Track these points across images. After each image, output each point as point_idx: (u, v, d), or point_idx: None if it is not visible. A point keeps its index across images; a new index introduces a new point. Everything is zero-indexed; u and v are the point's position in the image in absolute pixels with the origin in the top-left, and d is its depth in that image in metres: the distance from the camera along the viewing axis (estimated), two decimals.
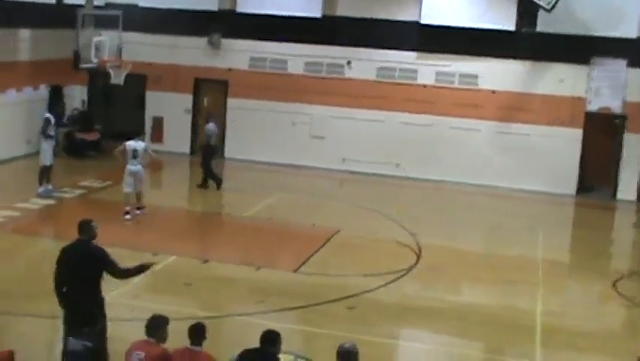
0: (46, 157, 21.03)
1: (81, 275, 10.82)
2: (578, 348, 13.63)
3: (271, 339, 8.96)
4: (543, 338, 13.74)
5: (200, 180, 22.98)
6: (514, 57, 25.10)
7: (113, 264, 10.87)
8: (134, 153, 19.55)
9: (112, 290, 14.29)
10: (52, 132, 21.28)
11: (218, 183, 22.92)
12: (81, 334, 9.27)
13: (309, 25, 26.36)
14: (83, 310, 10.76)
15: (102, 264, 10.82)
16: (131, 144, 19.65)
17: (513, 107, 25.29)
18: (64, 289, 10.82)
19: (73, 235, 19.35)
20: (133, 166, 19.58)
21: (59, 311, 13.66)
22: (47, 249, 16.39)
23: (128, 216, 19.70)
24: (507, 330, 14.17)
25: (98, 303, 10.84)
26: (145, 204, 20.10)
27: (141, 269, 11.05)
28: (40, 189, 20.97)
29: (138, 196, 20.02)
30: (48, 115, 21.58)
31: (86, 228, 11.07)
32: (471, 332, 14.04)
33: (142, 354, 8.87)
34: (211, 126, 23.36)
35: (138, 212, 20.02)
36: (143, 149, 19.78)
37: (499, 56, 25.15)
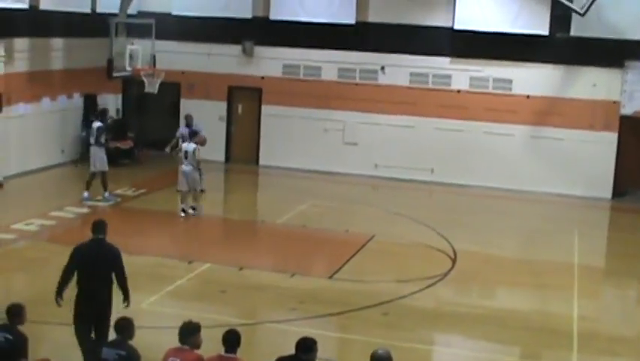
0: (100, 164, 21.50)
1: (97, 273, 11.12)
2: (615, 353, 13.52)
3: (307, 346, 8.94)
4: (580, 344, 13.63)
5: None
6: (548, 62, 24.97)
7: (122, 266, 11.18)
8: (185, 155, 20.69)
9: (147, 299, 14.45)
10: (104, 140, 21.65)
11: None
12: (115, 343, 9.29)
13: (343, 32, 26.37)
14: (96, 308, 11.05)
15: (117, 261, 11.15)
16: (183, 145, 21.00)
17: (547, 112, 25.16)
18: (79, 287, 11.07)
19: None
20: (184, 166, 20.73)
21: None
22: None
23: (182, 215, 20.83)
24: (543, 335, 14.07)
25: (109, 301, 11.15)
26: (200, 205, 21.21)
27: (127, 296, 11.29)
28: (85, 195, 21.49)
29: (194, 196, 21.13)
30: (100, 123, 21.81)
31: (102, 226, 11.37)
32: (507, 338, 13.95)
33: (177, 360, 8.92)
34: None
35: (192, 212, 20.89)
36: (193, 151, 20.66)
37: (532, 61, 25.03)
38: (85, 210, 20.86)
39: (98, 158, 21.53)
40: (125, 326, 9.37)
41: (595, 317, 15.33)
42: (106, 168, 21.67)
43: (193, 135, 21.45)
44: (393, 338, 12.68)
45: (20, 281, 12.58)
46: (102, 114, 22.54)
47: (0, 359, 9.32)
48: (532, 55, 24.89)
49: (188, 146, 20.85)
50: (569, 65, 24.94)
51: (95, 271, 11.09)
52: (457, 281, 16.77)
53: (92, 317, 11.05)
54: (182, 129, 23.29)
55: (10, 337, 9.58)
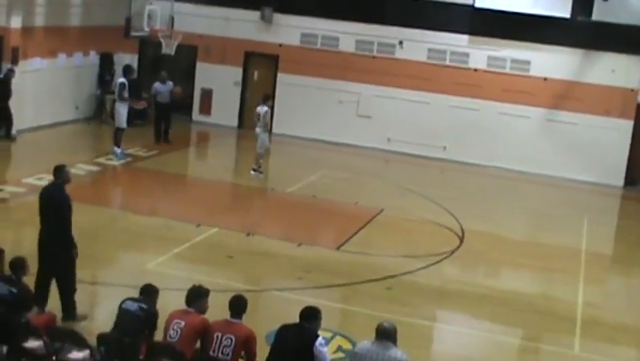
0: (122, 120, 21.77)
1: (45, 216, 11.51)
2: (617, 341, 13.50)
3: (311, 315, 8.99)
4: (582, 329, 13.63)
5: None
6: (568, 45, 24.77)
7: (65, 215, 11.40)
8: (257, 117, 21.57)
9: (154, 260, 14.50)
10: (126, 95, 21.76)
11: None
12: (139, 299, 9.39)
13: (362, 3, 26.28)
14: (48, 250, 11.38)
15: (61, 209, 11.39)
16: (257, 108, 21.70)
17: (563, 96, 25.01)
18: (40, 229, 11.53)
19: (116, 202, 19.63)
20: (257, 128, 21.58)
21: (100, 276, 13.92)
22: (89, 215, 16.59)
23: (252, 173, 21.65)
24: (546, 319, 14.07)
25: (63, 244, 11.38)
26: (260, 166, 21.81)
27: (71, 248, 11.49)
28: (118, 151, 21.82)
29: (256, 158, 21.78)
30: (122, 79, 21.97)
31: (59, 171, 11.61)
32: (510, 319, 13.95)
33: (181, 323, 8.96)
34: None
35: (253, 173, 21.62)
36: (264, 113, 21.48)
37: (552, 43, 24.82)
38: (95, 167, 20.91)
39: (118, 113, 21.79)
40: (149, 291, 9.57)
41: (599, 303, 15.28)
42: (123, 124, 21.83)
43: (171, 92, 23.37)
44: (397, 313, 12.69)
45: (29, 235, 12.63)
46: (126, 70, 22.59)
47: (5, 311, 9.37)
48: (552, 37, 24.69)
49: (261, 109, 21.47)
50: (589, 50, 24.74)
51: (44, 213, 11.53)
52: (463, 260, 16.76)
53: (45, 259, 11.39)
54: (157, 86, 24.18)
55: (15, 290, 9.64)
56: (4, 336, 9.16)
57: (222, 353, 8.82)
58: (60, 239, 11.40)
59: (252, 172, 21.61)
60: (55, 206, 11.45)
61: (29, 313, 9.67)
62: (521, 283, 16.13)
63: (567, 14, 24.33)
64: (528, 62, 25.22)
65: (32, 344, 9.29)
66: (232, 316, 9.04)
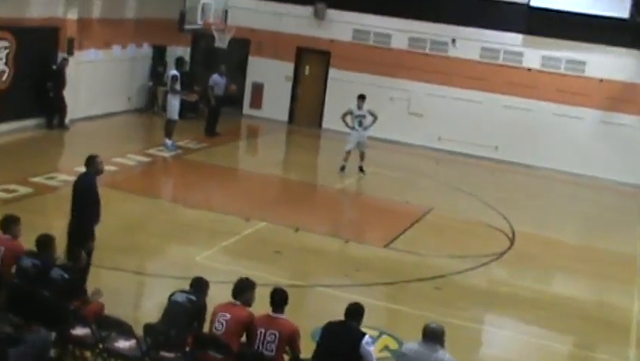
0: (173, 112, 21.85)
1: (74, 201, 11.68)
2: None
3: (356, 312, 8.94)
4: (638, 340, 13.28)
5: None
6: (625, 46, 24.35)
7: (86, 201, 11.56)
8: (356, 117, 21.82)
9: (202, 252, 14.50)
10: (178, 88, 21.83)
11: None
12: (188, 291, 9.38)
13: (416, 1, 26.07)
14: (72, 232, 11.54)
15: (84, 195, 11.58)
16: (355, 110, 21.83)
17: (619, 98, 24.58)
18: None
19: (166, 193, 19.68)
20: (357, 128, 21.82)
21: (147, 267, 13.95)
22: (139, 206, 16.66)
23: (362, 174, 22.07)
24: (599, 326, 13.78)
25: (85, 233, 11.44)
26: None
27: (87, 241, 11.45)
28: (169, 143, 21.85)
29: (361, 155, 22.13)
30: (175, 72, 22.07)
31: (89, 161, 11.81)
32: (560, 325, 13.68)
33: (227, 316, 8.92)
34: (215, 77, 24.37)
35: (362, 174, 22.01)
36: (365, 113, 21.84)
37: (609, 44, 24.40)
38: (146, 158, 21.00)
39: (170, 105, 21.88)
40: (200, 284, 9.53)
41: None
42: (175, 116, 21.90)
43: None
44: (445, 314, 12.53)
45: None
46: (178, 63, 22.70)
47: (58, 296, 9.39)
48: (609, 38, 24.27)
49: (360, 111, 21.77)
50: None
51: (73, 199, 11.70)
52: (513, 262, 16.52)
53: (71, 239, 11.49)
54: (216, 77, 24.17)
55: (67, 276, 9.67)
56: (53, 322, 9.19)
57: (266, 348, 8.76)
58: (82, 229, 11.47)
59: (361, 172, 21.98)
60: (79, 195, 11.58)
61: (79, 300, 9.68)
62: (573, 288, 15.87)
63: (625, 15, 23.90)
64: (584, 63, 24.84)
65: (80, 331, 9.32)
66: (274, 310, 8.97)
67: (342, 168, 21.85)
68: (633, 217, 21.17)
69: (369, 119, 21.75)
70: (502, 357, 12.48)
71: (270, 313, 8.99)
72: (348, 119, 21.94)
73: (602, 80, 24.67)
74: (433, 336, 8.47)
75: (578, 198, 22.98)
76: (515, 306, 14.37)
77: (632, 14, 23.87)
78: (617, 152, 24.51)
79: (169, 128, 21.92)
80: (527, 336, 13.22)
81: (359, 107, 21.79)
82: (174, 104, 21.85)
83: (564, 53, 24.94)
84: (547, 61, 25.17)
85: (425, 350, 8.41)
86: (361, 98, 22.00)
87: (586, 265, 17.02)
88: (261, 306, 9.15)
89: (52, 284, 9.55)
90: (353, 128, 21.79)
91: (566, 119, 24.88)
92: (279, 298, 9.03)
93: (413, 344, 8.61)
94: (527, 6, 24.82)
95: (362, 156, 22.03)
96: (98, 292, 9.91)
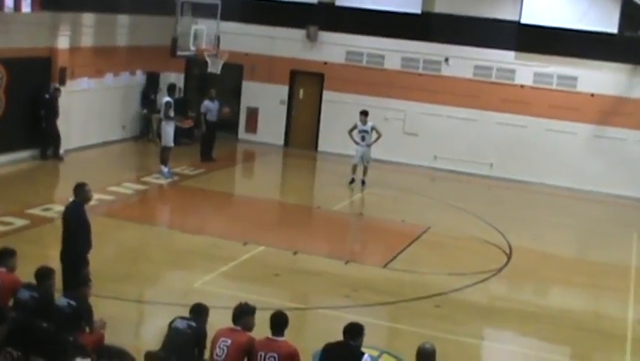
0: (168, 139, 21.91)
1: (66, 231, 11.74)
2: None
3: (354, 331, 8.95)
4: (634, 349, 13.38)
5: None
6: (615, 60, 24.51)
7: (75, 230, 11.59)
8: (362, 132, 22.89)
9: (201, 278, 14.53)
10: (172, 114, 21.92)
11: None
12: (188, 318, 9.39)
13: (408, 21, 26.17)
14: (63, 260, 11.59)
15: (70, 223, 11.64)
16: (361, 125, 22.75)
17: (611, 112, 24.71)
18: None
19: (163, 220, 19.72)
20: (362, 144, 22.77)
21: (147, 295, 13.98)
22: (136, 233, 16.69)
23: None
24: (596, 337, 13.88)
25: (73, 259, 11.51)
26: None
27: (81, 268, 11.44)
28: (165, 170, 21.94)
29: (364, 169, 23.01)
30: (168, 98, 22.16)
31: (78, 191, 11.76)
32: (559, 337, 13.79)
33: (228, 341, 8.94)
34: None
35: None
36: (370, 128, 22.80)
37: (599, 59, 24.56)
38: (142, 186, 21.06)
39: (164, 132, 21.94)
40: (200, 310, 9.53)
41: None
42: (170, 143, 21.94)
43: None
44: (445, 331, 12.59)
45: None
46: (170, 89, 22.83)
47: (63, 325, 9.41)
48: (599, 53, 24.44)
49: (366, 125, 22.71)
50: (636, 65, 24.44)
51: (64, 228, 11.77)
52: (511, 277, 16.60)
53: (63, 266, 11.51)
54: (207, 104, 24.28)
55: (74, 303, 9.68)
56: (53, 355, 9.20)
57: None
58: (73, 258, 11.52)
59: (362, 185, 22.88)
60: (69, 224, 11.65)
61: (82, 330, 9.69)
62: (570, 300, 15.93)
63: (614, 30, 24.10)
64: (575, 78, 24.99)
65: None
66: (273, 333, 9.00)
67: (351, 182, 22.82)
68: (627, 229, 21.23)
69: (372, 135, 22.67)
70: None
71: (270, 336, 9.03)
72: (354, 134, 22.69)
73: (593, 95, 24.82)
74: (425, 356, 8.60)
75: (573, 212, 23.06)
76: (514, 320, 14.44)
77: (620, 29, 24.06)
78: (610, 165, 24.63)
79: (164, 156, 21.99)
80: (526, 349, 13.30)
81: (363, 123, 22.63)
82: (169, 131, 21.91)
83: (555, 68, 25.09)
84: (539, 77, 25.31)
85: None
86: (363, 113, 22.70)
87: (582, 278, 17.12)
88: (262, 330, 9.19)
89: (59, 313, 9.58)
90: (358, 143, 22.49)
91: (559, 134, 25.01)
92: (278, 321, 9.06)
93: None
94: (518, 23, 24.99)
95: (364, 171, 22.76)
96: (103, 325, 9.94)
